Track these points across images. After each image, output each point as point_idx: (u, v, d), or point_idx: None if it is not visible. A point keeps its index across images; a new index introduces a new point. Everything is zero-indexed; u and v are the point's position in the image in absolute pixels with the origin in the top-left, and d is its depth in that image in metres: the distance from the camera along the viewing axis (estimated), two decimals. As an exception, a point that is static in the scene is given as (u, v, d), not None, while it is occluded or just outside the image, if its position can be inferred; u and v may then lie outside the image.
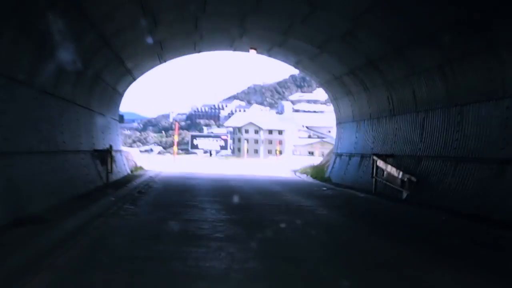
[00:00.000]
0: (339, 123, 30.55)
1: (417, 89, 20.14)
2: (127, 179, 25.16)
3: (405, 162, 20.80)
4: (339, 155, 29.54)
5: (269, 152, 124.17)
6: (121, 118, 30.50)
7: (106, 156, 22.17)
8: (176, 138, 47.26)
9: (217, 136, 69.72)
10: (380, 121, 24.30)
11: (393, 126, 22.75)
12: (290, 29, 22.77)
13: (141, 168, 34.76)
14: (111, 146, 23.53)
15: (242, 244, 10.00)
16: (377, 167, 22.01)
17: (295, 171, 42.64)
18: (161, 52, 26.05)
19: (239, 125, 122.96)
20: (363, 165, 25.33)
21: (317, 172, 32.42)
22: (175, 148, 47.55)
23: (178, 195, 18.98)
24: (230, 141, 75.81)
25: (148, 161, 44.18)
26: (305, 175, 35.63)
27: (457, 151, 17.25)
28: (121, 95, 28.55)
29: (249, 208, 15.84)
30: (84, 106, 20.49)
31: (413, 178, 18.96)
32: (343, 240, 11.02)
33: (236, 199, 18.08)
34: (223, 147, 67.48)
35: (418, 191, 18.71)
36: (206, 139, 67.74)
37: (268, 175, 35.03)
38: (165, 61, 28.54)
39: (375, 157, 22.18)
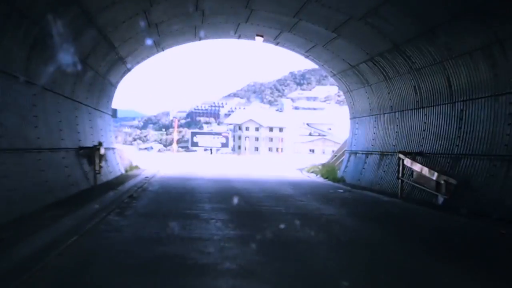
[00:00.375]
0: (353, 117, 27.41)
1: (454, 76, 16.98)
2: (120, 181, 22.02)
3: (438, 161, 17.68)
4: (354, 153, 26.41)
5: (270, 149, 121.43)
6: (114, 113, 27.36)
7: (93, 154, 19.04)
8: (175, 136, 44.05)
9: (217, 134, 66.48)
10: (404, 115, 21.16)
11: (421, 120, 19.61)
12: (303, 9, 19.62)
13: (137, 167, 31.62)
14: (100, 143, 20.40)
15: (265, 283, 6.87)
16: (404, 166, 18.88)
17: (301, 170, 39.55)
18: (158, 39, 22.90)
19: (239, 123, 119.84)
20: (384, 164, 22.20)
21: (328, 171, 29.29)
22: (174, 145, 44.44)
23: (176, 201, 15.81)
24: (231, 139, 72.48)
25: (146, 159, 41.10)
26: (313, 174, 32.50)
27: (509, 149, 14.12)
28: (114, 86, 25.41)
29: (262, 219, 12.70)
30: (67, 96, 17.35)
31: (452, 181, 15.81)
32: (399, 269, 7.89)
33: (244, 206, 14.99)
34: (224, 145, 64.33)
35: (458, 195, 15.57)
36: (207, 136, 64.54)
37: (274, 175, 31.88)
38: (163, 50, 25.40)
39: (401, 155, 19.03)
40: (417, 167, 17.89)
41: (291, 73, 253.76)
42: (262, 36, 24.84)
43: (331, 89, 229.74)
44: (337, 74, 26.58)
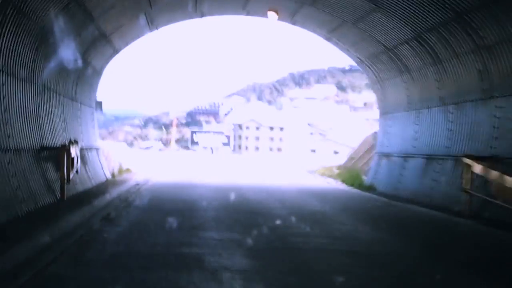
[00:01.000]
0: (384, 113, 22.34)
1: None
2: (100, 190, 16.94)
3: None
4: (386, 155, 21.35)
5: (270, 149, 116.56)
6: (99, 106, 22.29)
7: (62, 156, 13.95)
8: (173, 134, 39.11)
9: (219, 132, 61.34)
10: (461, 107, 16.08)
11: (490, 114, 14.55)
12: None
13: (128, 170, 26.56)
14: (72, 142, 15.35)
15: None
16: (473, 174, 13.83)
17: (312, 172, 34.62)
18: (150, 12, 17.83)
19: (239, 122, 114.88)
20: (432, 170, 17.13)
21: (352, 176, 24.23)
22: (172, 144, 39.52)
23: (169, 228, 10.61)
24: (232, 138, 66.96)
25: (141, 160, 35.98)
26: (331, 179, 27.47)
27: None
28: (97, 72, 20.36)
29: (308, 265, 7.62)
30: (22, 78, 12.28)
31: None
32: None
33: (269, 236, 9.93)
34: (226, 144, 59.22)
35: None
36: (207, 135, 59.40)
37: (288, 180, 26.83)
38: (157, 28, 20.36)
39: (468, 161, 13.96)
40: (495, 176, 12.83)
41: (291, 74, 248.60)
42: (276, 11, 19.79)
43: (329, 88, 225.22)
44: (366, 60, 21.51)
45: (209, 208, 13.56)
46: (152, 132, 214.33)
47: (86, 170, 17.88)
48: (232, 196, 16.65)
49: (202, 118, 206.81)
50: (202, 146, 61.43)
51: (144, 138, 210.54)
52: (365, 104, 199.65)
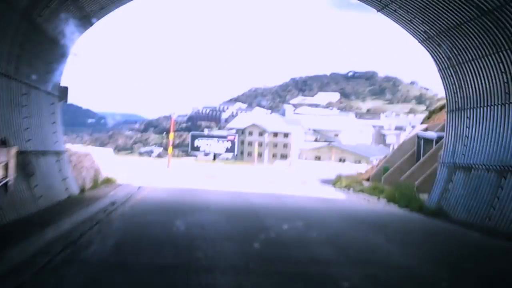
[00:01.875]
0: (458, 109, 15.90)
1: None
2: (42, 219, 10.48)
3: None
4: (464, 168, 14.93)
5: (274, 156, 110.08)
6: (63, 94, 15.83)
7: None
8: (171, 138, 33.01)
9: (222, 137, 54.91)
10: None
11: None
12: None
13: (109, 181, 20.15)
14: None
15: None
16: None
17: (327, 183, 28.52)
18: None
19: (242, 127, 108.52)
20: None
21: (405, 195, 17.73)
22: (170, 150, 33.23)
23: None
24: (237, 143, 60.54)
25: (131, 168, 29.55)
26: (368, 196, 21.08)
27: None
28: (58, 44, 13.96)
29: None
30: None
31: None
32: None
33: None
34: (229, 150, 52.80)
35: None
36: (210, 140, 53.00)
37: (312, 196, 20.43)
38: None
39: None
40: None
41: (292, 79, 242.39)
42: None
43: (333, 95, 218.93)
44: (437, 35, 15.09)
45: (219, 260, 7.11)
46: (152, 136, 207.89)
47: (29, 185, 11.48)
48: (247, 222, 10.18)
49: (203, 123, 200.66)
50: (204, 152, 54.90)
51: (144, 142, 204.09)
52: (368, 110, 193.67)
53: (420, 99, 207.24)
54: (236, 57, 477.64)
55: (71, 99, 15.57)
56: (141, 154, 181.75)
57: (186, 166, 37.14)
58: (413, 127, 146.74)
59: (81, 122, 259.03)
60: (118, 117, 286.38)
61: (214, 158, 53.57)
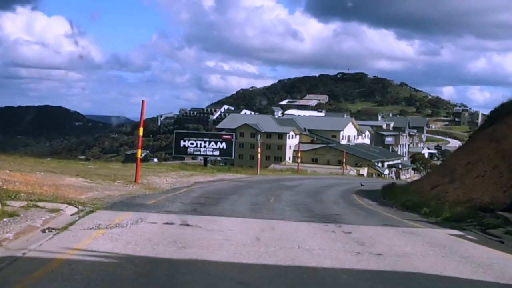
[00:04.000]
0: None
1: None
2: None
3: None
4: None
5: (267, 158, 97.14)
6: None
7: None
8: (140, 134, 19.21)
9: (215, 136, 41.37)
10: None
11: None
12: None
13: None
14: None
15: None
16: None
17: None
18: None
19: (232, 127, 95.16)
20: None
21: None
22: (138, 153, 19.50)
23: None
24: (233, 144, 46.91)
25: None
26: None
27: None
28: None
29: None
30: None
31: None
32: None
33: None
34: (225, 152, 39.35)
35: None
36: (199, 140, 39.53)
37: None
38: None
39: None
40: None
41: (281, 81, 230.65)
42: None
43: (322, 97, 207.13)
44: None
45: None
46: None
47: None
48: None
49: (190, 126, 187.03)
50: (192, 155, 41.43)
51: (130, 145, 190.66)
52: (358, 112, 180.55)
53: (410, 101, 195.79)
54: (224, 58, 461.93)
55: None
56: (127, 156, 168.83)
57: (160, 182, 23.97)
58: (412, 128, 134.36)
59: (69, 125, 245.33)
60: (105, 119, 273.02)
61: (205, 163, 39.83)
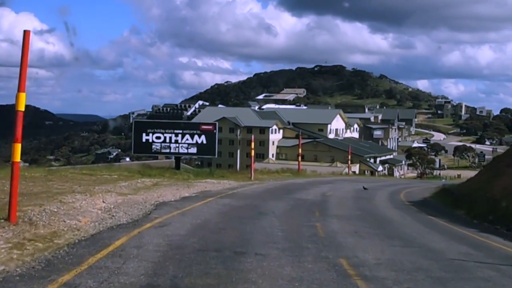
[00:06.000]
0: None
1: None
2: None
3: None
4: None
5: (247, 155, 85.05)
6: None
7: None
8: (21, 104, 6.07)
9: (191, 127, 28.66)
10: None
11: None
12: None
13: None
14: None
15: None
16: None
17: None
18: None
19: (209, 122, 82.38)
20: None
21: None
22: (15, 155, 6.31)
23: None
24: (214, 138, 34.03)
25: None
26: None
27: None
28: None
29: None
30: None
31: None
32: None
33: None
34: (204, 149, 26.88)
35: None
36: (169, 133, 27.07)
37: None
38: None
39: None
40: None
41: (257, 75, 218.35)
42: None
43: (299, 91, 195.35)
44: None
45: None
46: (110, 137, 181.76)
47: None
48: None
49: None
50: (160, 153, 28.87)
51: (101, 143, 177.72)
52: (336, 106, 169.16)
53: (390, 93, 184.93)
54: (197, 54, 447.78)
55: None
56: (98, 155, 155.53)
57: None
58: (400, 120, 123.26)
59: (40, 124, 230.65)
60: (77, 118, 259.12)
61: (178, 166, 27.28)
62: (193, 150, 27.70)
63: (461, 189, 24.61)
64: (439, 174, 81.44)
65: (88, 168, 24.59)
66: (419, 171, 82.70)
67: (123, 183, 18.53)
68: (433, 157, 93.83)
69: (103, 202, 13.53)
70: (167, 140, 27.46)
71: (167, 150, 27.70)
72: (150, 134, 27.45)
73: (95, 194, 14.29)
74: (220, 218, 12.26)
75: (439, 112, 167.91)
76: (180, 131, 27.64)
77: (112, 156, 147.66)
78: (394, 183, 38.82)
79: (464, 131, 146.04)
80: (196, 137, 27.54)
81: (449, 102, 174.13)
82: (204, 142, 27.56)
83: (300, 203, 16.98)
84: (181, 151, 27.65)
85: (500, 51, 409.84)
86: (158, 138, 27.48)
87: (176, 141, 27.41)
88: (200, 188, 19.56)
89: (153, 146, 27.54)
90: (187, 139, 27.48)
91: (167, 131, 27.62)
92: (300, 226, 11.82)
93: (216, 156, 30.23)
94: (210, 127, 28.58)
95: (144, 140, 27.50)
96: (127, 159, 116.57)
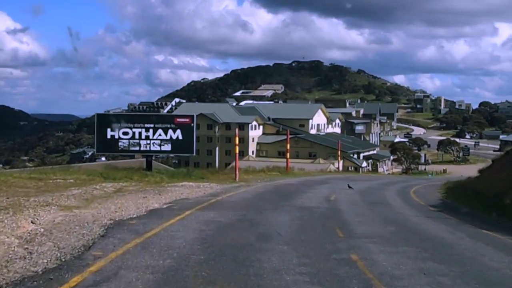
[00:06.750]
0: None
1: None
2: None
3: None
4: None
5: (227, 153, 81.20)
6: None
7: None
8: None
9: (165, 120, 24.25)
10: None
11: None
12: None
13: None
14: None
15: None
16: None
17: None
18: None
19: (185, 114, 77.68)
20: None
21: None
22: None
23: None
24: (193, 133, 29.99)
25: None
26: None
27: None
28: None
29: None
30: None
31: None
32: None
33: None
34: (180, 146, 22.51)
35: None
36: (138, 127, 22.67)
37: None
38: None
39: None
40: None
41: (234, 72, 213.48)
42: None
43: (277, 88, 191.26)
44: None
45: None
46: (85, 136, 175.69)
47: None
48: None
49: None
50: (126, 152, 24.56)
51: (76, 143, 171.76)
52: (316, 101, 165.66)
53: (368, 88, 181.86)
54: (173, 52, 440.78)
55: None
56: (73, 155, 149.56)
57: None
58: (382, 115, 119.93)
59: (13, 124, 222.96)
60: (52, 117, 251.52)
61: (150, 167, 22.75)
62: (167, 147, 23.32)
63: (481, 189, 20.71)
64: (425, 169, 78.30)
65: (40, 171, 20.05)
66: (404, 167, 79.20)
67: (76, 191, 14.18)
68: (418, 152, 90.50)
69: (32, 223, 9.23)
70: (136, 136, 23.08)
71: (136, 148, 23.26)
72: (116, 130, 22.96)
73: (24, 210, 9.95)
74: (203, 253, 7.98)
75: (418, 106, 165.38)
76: (152, 125, 23.25)
77: (87, 156, 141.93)
78: (387, 180, 34.95)
79: (444, 125, 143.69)
80: (170, 132, 23.19)
81: (428, 96, 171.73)
82: (180, 137, 23.23)
83: (307, 215, 12.85)
84: (153, 148, 23.26)
85: (475, 45, 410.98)
86: (125, 134, 23.08)
87: (147, 137, 23.05)
88: (174, 195, 15.24)
89: (120, 144, 23.10)
90: (159, 135, 23.14)
91: (136, 125, 23.21)
92: (329, 260, 7.69)
93: (195, 154, 25.81)
94: (187, 119, 24.22)
95: (109, 136, 23.05)
96: (103, 158, 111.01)
